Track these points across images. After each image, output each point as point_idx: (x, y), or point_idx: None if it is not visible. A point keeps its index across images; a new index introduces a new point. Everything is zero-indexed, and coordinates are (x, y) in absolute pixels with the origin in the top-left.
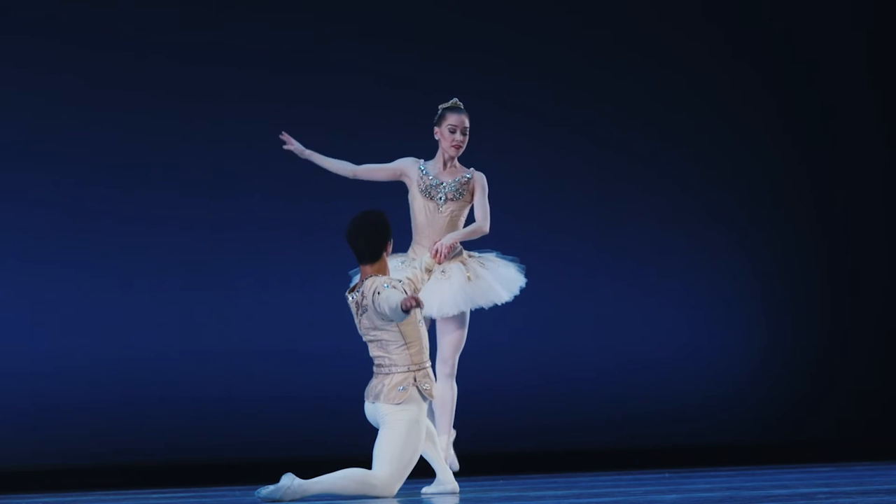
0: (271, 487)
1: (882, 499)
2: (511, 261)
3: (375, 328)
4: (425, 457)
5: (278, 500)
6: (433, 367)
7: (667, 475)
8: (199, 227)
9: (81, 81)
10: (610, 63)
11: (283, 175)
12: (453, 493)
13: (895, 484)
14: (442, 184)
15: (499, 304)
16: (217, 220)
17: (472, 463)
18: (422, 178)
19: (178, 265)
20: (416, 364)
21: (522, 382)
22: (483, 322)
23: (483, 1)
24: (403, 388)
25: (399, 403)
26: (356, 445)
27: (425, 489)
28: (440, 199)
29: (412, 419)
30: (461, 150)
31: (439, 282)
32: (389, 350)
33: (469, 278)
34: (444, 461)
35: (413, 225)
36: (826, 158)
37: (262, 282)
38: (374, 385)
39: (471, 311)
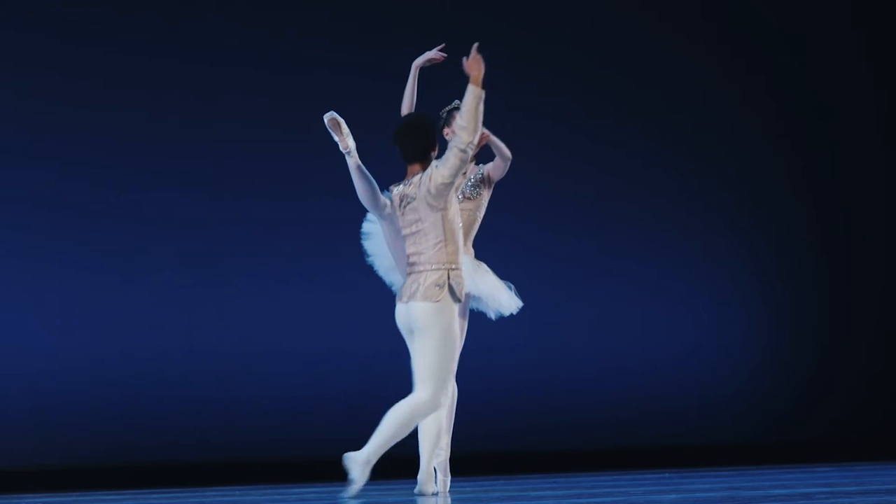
0: (350, 489)
1: (882, 499)
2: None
3: (419, 220)
4: (420, 450)
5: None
6: None
7: (667, 475)
8: (200, 226)
9: (81, 81)
10: (610, 63)
11: (284, 175)
12: (434, 494)
13: (895, 484)
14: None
15: (495, 295)
16: (217, 219)
17: (472, 463)
18: None
19: (178, 264)
20: (450, 263)
21: (522, 383)
22: (483, 322)
23: (483, 0)
24: (440, 286)
25: (437, 301)
26: (356, 445)
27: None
28: (458, 198)
29: (445, 326)
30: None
31: None
32: (427, 246)
33: (476, 267)
34: (438, 460)
35: None
36: (826, 159)
37: (262, 282)
38: (408, 285)
39: (470, 311)
